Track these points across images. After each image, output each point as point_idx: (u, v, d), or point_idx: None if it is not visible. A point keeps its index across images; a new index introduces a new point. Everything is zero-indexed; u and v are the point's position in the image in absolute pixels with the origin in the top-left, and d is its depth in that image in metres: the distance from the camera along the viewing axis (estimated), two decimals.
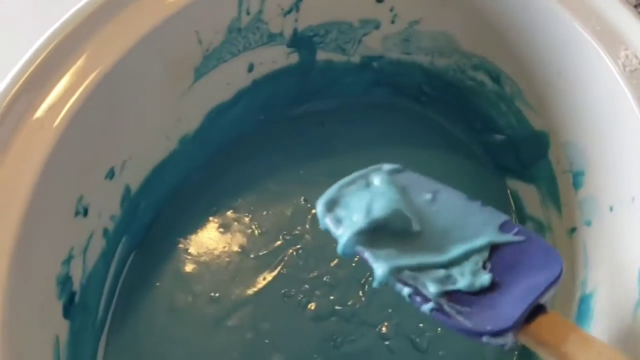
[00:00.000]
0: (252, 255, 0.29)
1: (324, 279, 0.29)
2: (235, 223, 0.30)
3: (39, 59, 0.22)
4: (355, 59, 0.33)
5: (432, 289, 0.20)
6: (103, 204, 0.25)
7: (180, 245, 0.29)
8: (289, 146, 0.33)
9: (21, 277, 0.19)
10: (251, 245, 0.30)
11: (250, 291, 0.28)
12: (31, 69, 0.22)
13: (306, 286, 0.28)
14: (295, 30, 0.30)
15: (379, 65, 0.33)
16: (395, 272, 0.20)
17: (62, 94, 0.22)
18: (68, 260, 0.22)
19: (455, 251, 0.21)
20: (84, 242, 0.24)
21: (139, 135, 0.26)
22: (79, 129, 0.22)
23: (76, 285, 0.23)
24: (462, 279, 0.20)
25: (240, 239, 0.30)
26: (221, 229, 0.30)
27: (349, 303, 0.28)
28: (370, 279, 0.28)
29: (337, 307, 0.28)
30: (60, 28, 0.23)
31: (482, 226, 0.22)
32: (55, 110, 0.22)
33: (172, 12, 0.25)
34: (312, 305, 0.28)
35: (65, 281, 0.22)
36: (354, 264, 0.29)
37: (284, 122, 0.33)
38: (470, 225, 0.22)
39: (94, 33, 0.24)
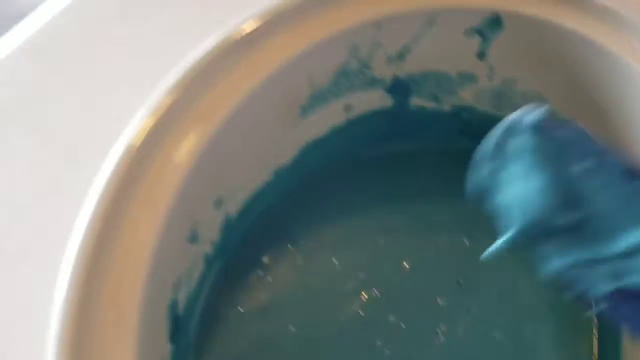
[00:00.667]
0: (331, 293, 0.30)
1: (402, 324, 0.29)
2: (317, 256, 0.31)
3: (172, 99, 0.23)
4: (447, 107, 0.34)
5: (605, 286, 0.17)
6: (208, 231, 0.26)
7: (262, 274, 0.30)
8: (374, 186, 0.34)
9: (150, 302, 0.20)
10: (331, 281, 0.31)
11: (329, 330, 0.29)
12: (165, 108, 0.23)
13: (384, 330, 0.29)
14: (395, 77, 0.31)
15: (468, 115, 0.34)
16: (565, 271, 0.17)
17: (191, 132, 0.23)
18: (178, 285, 0.23)
19: (628, 239, 0.17)
20: (190, 268, 0.25)
21: (245, 167, 0.28)
22: (204, 164, 0.23)
23: (180, 310, 0.24)
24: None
25: (320, 273, 0.31)
26: (302, 262, 0.31)
27: (425, 351, 0.29)
28: (445, 328, 0.29)
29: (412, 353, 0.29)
30: (190, 70, 0.24)
31: None
32: (184, 148, 0.23)
33: (291, 56, 0.26)
34: (388, 352, 0.29)
35: (174, 306, 0.23)
36: (432, 313, 0.30)
37: (371, 162, 0.34)
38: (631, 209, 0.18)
39: (218, 76, 0.25)
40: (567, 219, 0.18)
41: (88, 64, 0.43)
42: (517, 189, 0.18)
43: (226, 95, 0.25)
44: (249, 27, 0.26)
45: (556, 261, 0.17)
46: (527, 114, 0.19)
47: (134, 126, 0.23)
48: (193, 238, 0.24)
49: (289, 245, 0.31)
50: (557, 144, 0.18)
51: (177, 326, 0.24)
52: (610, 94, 0.29)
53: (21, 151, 0.39)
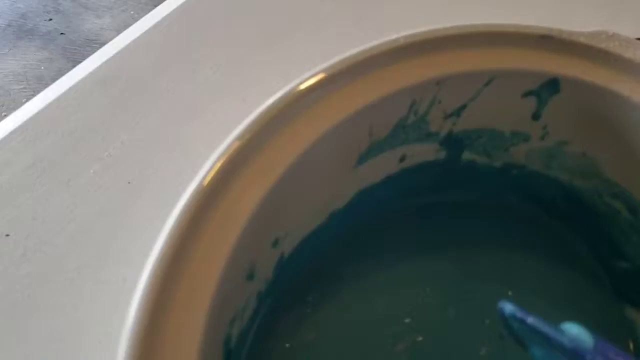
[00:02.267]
0: (375, 333, 0.31)
1: None
2: (364, 299, 0.32)
3: (245, 140, 0.25)
4: (498, 163, 0.35)
5: None
6: (264, 269, 0.27)
7: (309, 312, 0.32)
8: (422, 232, 0.35)
9: (210, 337, 0.21)
10: (375, 325, 0.32)
11: None
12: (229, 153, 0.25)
13: None
14: (450, 132, 0.32)
15: (518, 173, 0.35)
16: None
17: (256, 177, 0.25)
18: (232, 321, 0.25)
19: None
20: (244, 304, 0.26)
21: (302, 210, 0.29)
22: (265, 209, 0.25)
23: (232, 344, 0.25)
24: None
25: (366, 315, 0.32)
26: (348, 303, 0.32)
27: None
28: None
29: None
30: (259, 117, 0.26)
31: None
32: (249, 192, 0.24)
33: (355, 109, 0.28)
34: None
35: (228, 340, 0.24)
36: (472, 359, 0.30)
37: (420, 209, 0.35)
38: None
39: (285, 125, 0.26)
40: None
41: (158, 97, 0.46)
42: None
43: (290, 144, 0.26)
44: (316, 79, 0.27)
45: None
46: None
47: (205, 167, 0.24)
48: (250, 276, 0.26)
49: (337, 287, 0.33)
50: None
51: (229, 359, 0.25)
52: None
53: (85, 175, 0.41)
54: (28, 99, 0.50)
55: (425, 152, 0.33)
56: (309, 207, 0.29)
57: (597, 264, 0.35)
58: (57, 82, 0.49)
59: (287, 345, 0.30)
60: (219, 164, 0.24)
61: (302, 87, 0.27)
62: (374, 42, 0.29)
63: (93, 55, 0.51)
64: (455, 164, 0.34)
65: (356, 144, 0.30)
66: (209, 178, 0.23)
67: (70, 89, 0.47)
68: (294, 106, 0.27)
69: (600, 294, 0.34)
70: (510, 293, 0.33)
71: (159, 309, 0.21)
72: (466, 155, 0.34)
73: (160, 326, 0.20)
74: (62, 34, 1.39)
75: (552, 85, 0.31)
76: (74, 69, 0.50)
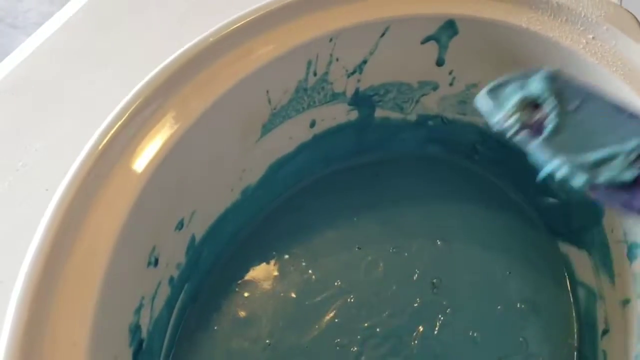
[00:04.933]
0: (307, 302, 0.30)
1: (377, 329, 0.29)
2: (292, 269, 0.31)
3: (127, 114, 0.24)
4: (412, 117, 0.34)
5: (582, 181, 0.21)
6: (171, 254, 0.26)
7: (238, 290, 0.30)
8: (345, 196, 0.34)
9: (102, 329, 0.20)
10: (306, 292, 0.31)
11: (304, 339, 0.29)
12: (120, 122, 0.23)
13: (359, 336, 0.29)
14: (357, 90, 0.31)
15: (434, 123, 0.34)
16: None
17: (147, 149, 0.23)
18: (139, 309, 0.23)
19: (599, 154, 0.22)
20: (153, 291, 0.25)
21: (207, 188, 0.28)
22: (159, 184, 0.23)
23: (144, 333, 0.24)
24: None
25: (296, 285, 0.31)
26: (277, 275, 0.31)
27: (402, 354, 0.29)
28: (421, 330, 0.29)
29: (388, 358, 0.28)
30: (146, 85, 0.25)
31: (630, 133, 0.22)
32: (140, 165, 0.23)
33: (247, 73, 0.27)
34: (364, 357, 0.29)
35: (135, 329, 0.23)
36: (407, 316, 0.30)
37: (340, 174, 0.35)
38: (615, 132, 0.22)
39: (176, 92, 0.25)
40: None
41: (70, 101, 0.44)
42: None
43: (177, 117, 0.25)
44: (204, 44, 0.26)
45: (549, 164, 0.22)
46: (544, 70, 0.24)
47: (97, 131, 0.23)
48: (153, 262, 0.24)
49: (264, 262, 0.31)
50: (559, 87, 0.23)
51: (141, 348, 0.23)
52: None
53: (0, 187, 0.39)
54: None
55: (335, 114, 0.32)
56: (214, 185, 0.28)
57: (526, 204, 0.34)
58: None
59: (215, 327, 0.29)
60: (105, 138, 0.23)
61: (189, 54, 0.26)
62: (260, 3, 0.27)
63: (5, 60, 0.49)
64: (370, 122, 0.33)
65: (256, 113, 0.29)
66: (85, 167, 0.22)
67: None
68: (181, 74, 0.25)
69: (533, 232, 0.33)
70: (439, 243, 0.33)
71: (39, 304, 0.19)
72: (379, 113, 0.33)
73: (41, 320, 0.19)
74: None
75: (449, 26, 0.30)
76: None
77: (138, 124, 0.24)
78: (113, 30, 0.48)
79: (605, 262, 0.29)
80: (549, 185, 0.33)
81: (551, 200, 0.33)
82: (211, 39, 0.26)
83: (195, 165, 0.26)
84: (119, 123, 0.23)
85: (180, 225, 0.26)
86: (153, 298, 0.25)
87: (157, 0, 0.49)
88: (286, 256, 0.32)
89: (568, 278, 0.32)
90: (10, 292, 0.20)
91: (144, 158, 0.23)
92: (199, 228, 0.28)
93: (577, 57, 0.28)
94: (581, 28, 0.28)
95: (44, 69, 0.47)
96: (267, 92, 0.28)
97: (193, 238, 0.28)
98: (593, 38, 0.28)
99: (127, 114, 0.24)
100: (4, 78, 0.46)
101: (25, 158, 0.41)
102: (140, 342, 0.24)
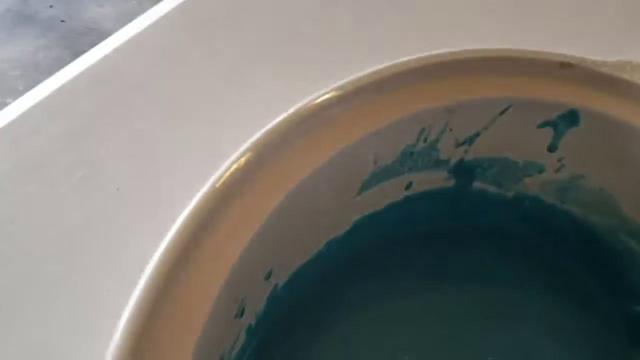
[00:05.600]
0: None
1: None
2: (362, 331, 0.30)
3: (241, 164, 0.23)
4: (509, 193, 0.33)
5: None
6: (255, 303, 0.25)
7: (301, 344, 0.30)
8: (426, 263, 0.33)
9: None
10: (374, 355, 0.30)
11: None
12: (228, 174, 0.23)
13: None
14: (461, 160, 0.30)
15: (530, 204, 0.33)
16: None
17: (254, 209, 0.23)
18: (222, 357, 0.23)
19: None
20: (233, 341, 0.24)
21: (299, 239, 0.27)
22: (259, 241, 0.23)
23: None
24: None
25: (363, 349, 0.30)
26: (347, 335, 0.30)
27: None
28: None
29: None
30: (259, 140, 0.24)
31: None
32: (246, 223, 0.22)
33: (361, 135, 0.26)
34: None
35: None
36: None
37: (425, 238, 0.33)
38: None
39: (287, 149, 0.25)
40: None
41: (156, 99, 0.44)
42: None
43: (292, 169, 0.24)
44: (323, 100, 0.26)
45: None
46: None
47: (200, 193, 0.22)
48: (241, 313, 0.24)
49: (332, 318, 0.31)
50: None
51: None
52: None
53: (68, 181, 0.39)
54: (25, 86, 0.47)
55: (433, 180, 0.31)
56: (306, 236, 0.28)
57: (611, 306, 0.33)
58: (51, 77, 0.47)
59: None
60: (214, 190, 0.22)
61: (308, 108, 0.25)
62: (384, 64, 0.27)
63: (91, 50, 0.49)
64: (465, 192, 0.32)
65: (360, 171, 0.28)
66: (200, 208, 0.21)
67: (63, 86, 0.45)
68: (297, 129, 0.25)
69: (612, 337, 0.32)
70: (516, 331, 0.31)
71: (140, 349, 0.19)
72: (477, 185, 0.32)
73: None
74: (62, 21, 1.36)
75: (571, 117, 0.29)
76: (70, 65, 0.47)
77: (249, 178, 0.23)
78: (215, 30, 0.47)
79: None
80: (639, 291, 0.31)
81: (639, 308, 0.31)
82: (333, 95, 0.25)
83: (295, 220, 0.25)
84: (227, 181, 0.23)
85: (268, 275, 0.26)
86: (232, 348, 0.24)
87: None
88: (356, 316, 0.31)
89: None
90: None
91: (251, 213, 0.23)
92: (282, 277, 0.27)
93: None
94: None
95: (135, 62, 0.47)
96: (376, 154, 0.27)
97: (275, 287, 0.27)
98: None
99: (237, 170, 0.23)
100: (92, 66, 0.46)
101: (101, 152, 0.41)
102: None
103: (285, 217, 0.24)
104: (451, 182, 0.32)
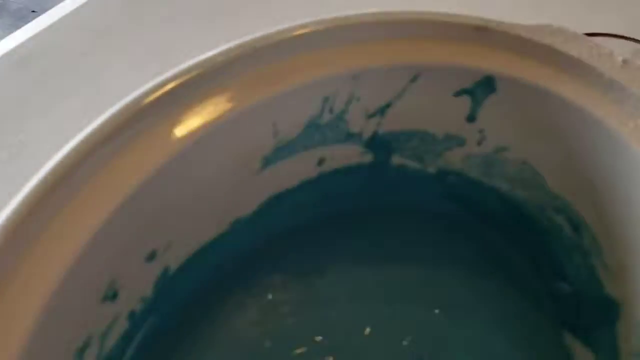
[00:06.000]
0: (279, 355, 0.28)
1: None
2: (272, 314, 0.29)
3: (109, 128, 0.21)
4: (431, 169, 0.31)
5: None
6: (135, 287, 0.24)
7: (208, 330, 0.28)
8: (344, 243, 0.31)
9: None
10: (282, 342, 0.28)
11: None
12: (100, 136, 0.21)
13: None
14: (375, 133, 0.29)
15: (454, 180, 0.31)
16: None
17: (123, 173, 0.21)
18: (82, 350, 0.21)
19: None
20: (105, 327, 0.22)
21: (190, 217, 0.25)
22: (130, 212, 0.21)
23: None
24: None
25: (272, 333, 0.28)
26: (255, 319, 0.29)
27: None
28: None
29: None
30: (138, 98, 0.22)
31: None
32: (110, 190, 0.20)
33: (252, 103, 0.24)
34: None
35: None
36: None
37: (343, 218, 0.32)
38: None
39: (168, 113, 0.23)
40: None
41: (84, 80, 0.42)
42: None
43: (176, 131, 0.22)
44: (207, 65, 0.24)
45: None
46: None
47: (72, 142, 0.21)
48: (111, 296, 0.22)
49: (241, 302, 0.29)
50: None
51: None
52: (607, 174, 0.26)
53: None
54: None
55: (347, 154, 0.29)
56: (200, 215, 0.26)
57: (537, 283, 0.31)
58: None
59: None
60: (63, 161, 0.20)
61: (195, 69, 0.23)
62: (277, 27, 0.25)
63: (18, 31, 0.47)
64: (384, 168, 0.31)
65: (258, 144, 0.26)
66: (48, 180, 0.19)
67: None
68: (181, 91, 0.23)
69: (538, 315, 0.30)
70: (437, 312, 0.30)
71: None
72: (396, 160, 0.30)
73: None
74: (33, 11, 1.34)
75: (488, 83, 0.27)
76: None
77: (120, 142, 0.21)
78: (146, 11, 0.46)
79: None
80: (566, 268, 0.30)
81: (564, 286, 0.30)
82: (221, 59, 0.23)
83: (177, 195, 0.23)
84: (98, 137, 0.21)
85: (151, 257, 0.24)
86: (104, 335, 0.22)
87: None
88: (269, 298, 0.29)
89: None
90: None
91: (116, 183, 0.21)
92: (174, 259, 0.26)
93: (620, 141, 0.25)
94: (632, 110, 0.25)
95: (63, 42, 0.45)
96: (274, 124, 0.26)
97: (166, 269, 0.25)
98: None
99: (109, 129, 0.21)
100: (17, 46, 0.44)
101: (23, 135, 0.39)
102: None
103: (164, 191, 0.23)
104: (368, 158, 0.30)
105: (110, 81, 0.41)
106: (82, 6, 0.46)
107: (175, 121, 0.23)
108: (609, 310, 0.27)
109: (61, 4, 0.47)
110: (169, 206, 0.23)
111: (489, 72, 0.27)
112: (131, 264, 0.23)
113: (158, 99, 0.22)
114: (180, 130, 0.22)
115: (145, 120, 0.22)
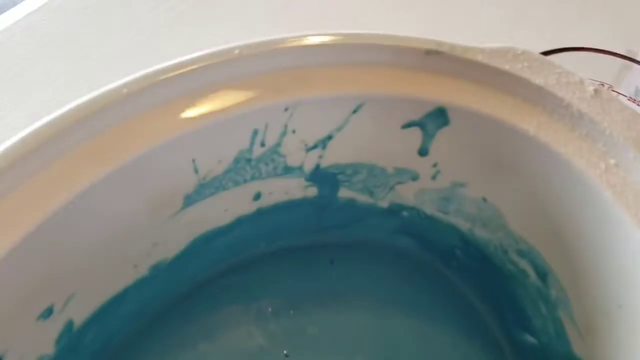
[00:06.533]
0: None
1: None
2: None
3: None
4: (383, 203, 0.28)
5: None
6: (29, 347, 0.21)
7: None
8: (288, 282, 0.29)
9: None
10: None
11: None
12: None
13: None
14: (317, 166, 0.26)
15: (409, 215, 0.28)
16: None
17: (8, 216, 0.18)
18: None
19: None
20: None
21: (95, 264, 0.22)
22: (20, 260, 0.18)
23: None
24: None
25: None
26: None
27: None
28: None
29: None
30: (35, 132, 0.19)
31: None
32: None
33: (166, 138, 0.21)
34: None
35: None
36: None
37: (287, 254, 0.29)
38: None
39: (67, 149, 0.20)
40: None
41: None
42: None
43: (79, 166, 0.20)
44: (118, 92, 0.21)
45: None
46: None
47: None
48: None
49: (167, 353, 0.26)
50: None
51: None
52: (575, 219, 0.23)
53: None
54: None
55: (288, 188, 0.27)
56: (110, 260, 0.23)
57: (500, 333, 0.28)
58: None
59: None
60: None
61: (97, 102, 0.20)
62: (200, 52, 0.22)
63: None
64: (331, 202, 0.28)
65: (177, 182, 0.23)
66: None
67: None
68: (77, 127, 0.20)
69: None
70: None
71: None
72: (343, 193, 0.28)
73: None
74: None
75: (440, 115, 0.24)
76: None
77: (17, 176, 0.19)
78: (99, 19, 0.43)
79: None
80: (531, 319, 0.27)
81: (530, 339, 0.27)
82: (125, 91, 0.21)
83: (79, 239, 0.21)
84: None
85: (47, 313, 0.21)
86: None
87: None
88: (196, 349, 0.26)
89: None
90: None
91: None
92: (80, 311, 0.23)
93: (588, 184, 0.22)
94: (603, 149, 0.22)
95: (12, 49, 0.42)
96: (194, 160, 0.23)
97: (70, 324, 0.22)
98: (615, 165, 0.22)
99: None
100: None
101: None
102: None
103: (58, 234, 0.20)
104: (313, 191, 0.27)
105: (49, 94, 0.38)
106: (31, 14, 0.43)
107: (80, 154, 0.20)
108: None
109: (9, 11, 0.44)
110: (69, 251, 0.20)
111: (440, 103, 0.24)
112: (19, 324, 0.20)
113: (66, 128, 0.19)
114: (84, 165, 0.19)
115: (49, 152, 0.19)
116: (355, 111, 0.24)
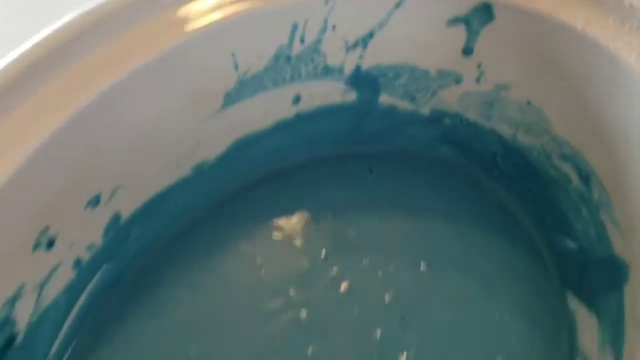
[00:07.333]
0: (248, 309, 0.25)
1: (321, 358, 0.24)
2: (241, 269, 0.26)
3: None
4: (425, 110, 0.28)
5: None
6: (78, 234, 0.22)
7: (168, 283, 0.26)
8: (327, 189, 0.29)
9: None
10: (252, 296, 0.26)
11: (233, 353, 0.24)
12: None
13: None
14: (357, 68, 0.25)
15: (451, 122, 0.28)
16: None
17: (52, 104, 0.19)
18: (13, 300, 0.19)
19: None
20: (43, 277, 0.20)
21: (141, 159, 0.23)
22: (60, 151, 0.19)
23: (20, 326, 0.20)
24: None
25: (241, 286, 0.26)
26: (222, 271, 0.26)
27: None
28: None
29: None
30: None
31: None
32: (35, 125, 0.18)
33: (205, 27, 0.21)
34: None
35: (3, 324, 0.19)
36: (362, 347, 0.25)
37: (327, 162, 0.29)
38: None
39: (110, 36, 0.20)
40: None
41: None
42: None
43: (115, 58, 0.20)
44: None
45: None
46: None
47: None
48: (43, 245, 0.20)
49: (210, 253, 0.27)
50: None
51: (12, 345, 0.19)
52: (623, 119, 0.23)
53: None
54: None
55: (328, 92, 0.26)
56: (155, 157, 0.23)
57: (540, 239, 0.28)
58: None
59: (131, 324, 0.25)
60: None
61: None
62: None
63: None
64: (371, 108, 0.27)
65: (217, 78, 0.23)
66: None
67: None
68: (122, 14, 0.20)
69: (540, 275, 0.27)
70: (423, 267, 0.27)
71: None
72: (384, 99, 0.27)
73: None
74: None
75: (485, 10, 0.23)
76: None
77: (51, 68, 0.19)
78: None
79: (616, 338, 0.23)
80: (572, 224, 0.26)
81: (570, 244, 0.26)
82: None
83: (120, 133, 0.21)
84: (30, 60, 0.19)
85: (95, 202, 0.22)
86: (43, 284, 0.21)
87: None
88: (238, 253, 0.27)
89: (568, 341, 0.26)
90: None
91: (43, 116, 0.18)
92: (127, 205, 0.23)
93: (638, 80, 0.21)
94: None
95: None
96: (233, 54, 0.23)
97: (117, 216, 0.23)
98: None
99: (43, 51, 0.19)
100: None
101: None
102: (11, 338, 0.19)
103: (103, 127, 0.20)
104: (352, 96, 0.27)
105: None
106: None
107: (120, 43, 0.20)
108: (617, 273, 0.24)
109: None
110: (110, 141, 0.21)
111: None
112: (68, 209, 0.20)
113: (97, 21, 0.19)
114: (120, 58, 0.20)
115: (81, 45, 0.19)
116: (398, 5, 0.23)
